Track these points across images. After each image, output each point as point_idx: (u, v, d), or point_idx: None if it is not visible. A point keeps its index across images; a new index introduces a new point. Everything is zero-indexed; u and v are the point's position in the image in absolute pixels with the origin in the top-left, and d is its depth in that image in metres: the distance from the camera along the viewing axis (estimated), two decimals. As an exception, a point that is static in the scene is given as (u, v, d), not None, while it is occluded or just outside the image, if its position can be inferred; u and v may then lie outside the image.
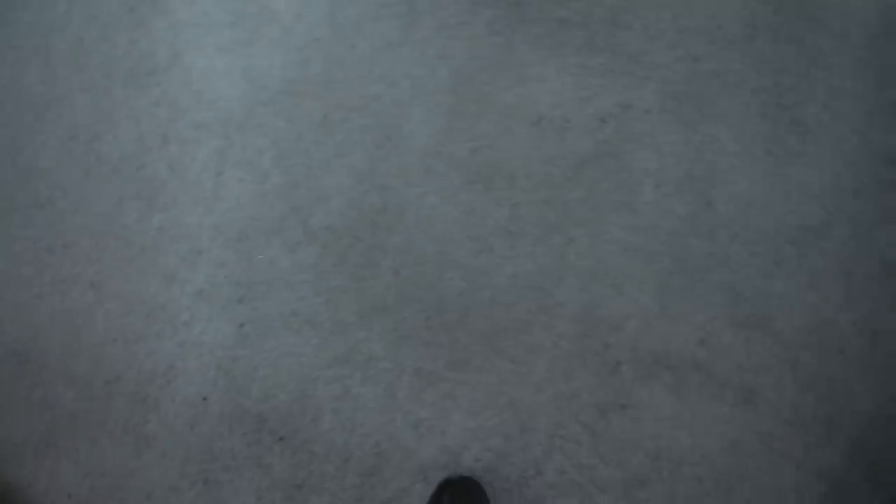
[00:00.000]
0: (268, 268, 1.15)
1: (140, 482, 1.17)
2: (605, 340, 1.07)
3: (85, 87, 1.21)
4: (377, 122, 1.12)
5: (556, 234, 1.08)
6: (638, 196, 1.06)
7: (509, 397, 1.08)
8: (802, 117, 1.06)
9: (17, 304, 1.21)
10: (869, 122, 1.05)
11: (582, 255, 1.06)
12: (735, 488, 1.04)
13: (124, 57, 1.20)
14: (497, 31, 1.11)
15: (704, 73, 1.08)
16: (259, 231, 1.15)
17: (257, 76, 1.16)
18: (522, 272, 1.08)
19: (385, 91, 1.13)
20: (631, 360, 1.06)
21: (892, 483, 1.01)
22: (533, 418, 1.08)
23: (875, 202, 1.03)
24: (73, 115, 1.21)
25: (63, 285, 1.20)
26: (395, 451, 1.10)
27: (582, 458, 1.07)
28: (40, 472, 1.20)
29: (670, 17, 1.08)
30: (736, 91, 1.07)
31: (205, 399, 1.16)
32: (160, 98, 1.18)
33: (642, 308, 1.05)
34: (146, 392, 1.17)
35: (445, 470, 1.10)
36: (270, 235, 1.15)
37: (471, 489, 1.04)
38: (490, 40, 1.11)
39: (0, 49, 1.23)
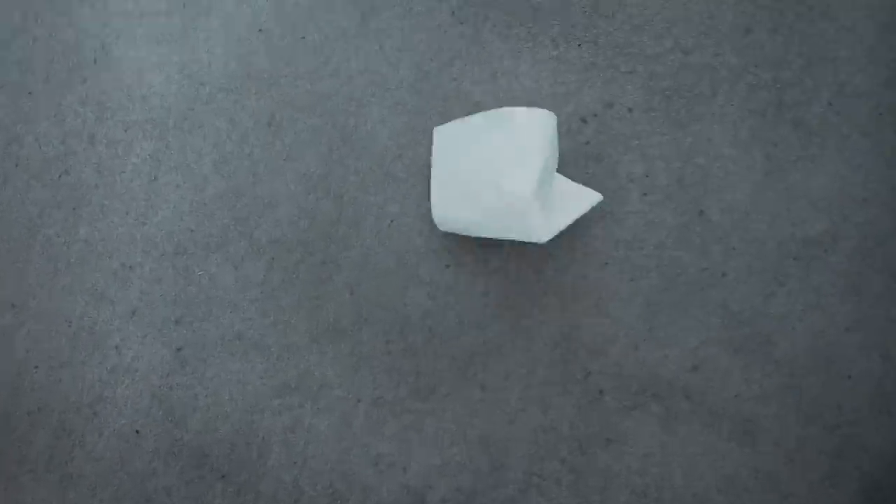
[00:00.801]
0: (209, 285, 1.13)
1: (66, 525, 1.13)
2: (586, 366, 1.04)
3: (1, 84, 1.20)
4: (330, 122, 1.11)
5: (531, 246, 1.05)
6: (623, 205, 1.04)
7: (480, 430, 1.06)
8: (805, 117, 1.04)
9: (-74, 326, 1.18)
10: (879, 123, 1.02)
11: (560, 271, 1.03)
12: (731, 531, 1.02)
13: (45, 50, 1.19)
14: (464, 19, 1.09)
15: (696, 67, 1.05)
16: (199, 244, 1.13)
17: (195, 71, 1.15)
18: (494, 290, 1.05)
19: (339, 87, 1.11)
20: (615, 389, 1.03)
21: (907, 526, 0.98)
22: (506, 454, 1.05)
23: (886, 211, 1.01)
24: (-11, 115, 1.19)
25: (-22, 305, 1.17)
26: (352, 490, 1.08)
27: (562, 497, 1.04)
28: (-45, 514, 1.17)
29: (658, 5, 1.06)
30: (731, 87, 1.05)
31: (137, 432, 1.14)
32: (86, 95, 1.18)
33: (628, 330, 1.03)
34: (72, 424, 1.16)
35: (407, 512, 1.10)
36: (211, 249, 1.13)
37: (436, 533, 1.01)
38: (456, 30, 1.09)
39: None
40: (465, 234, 1.03)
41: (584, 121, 1.05)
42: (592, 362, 1.03)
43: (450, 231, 1.03)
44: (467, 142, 1.00)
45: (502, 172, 0.96)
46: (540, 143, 0.95)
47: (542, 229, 0.95)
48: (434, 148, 1.03)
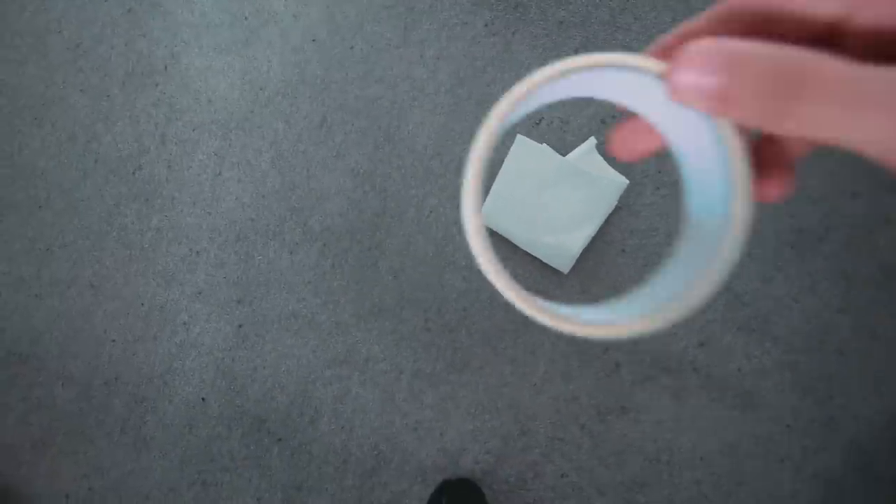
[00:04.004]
0: (267, 269, 1.19)
1: (138, 483, 1.22)
2: (604, 343, 1.11)
3: (83, 88, 1.26)
4: (376, 124, 1.16)
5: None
6: (638, 198, 1.09)
7: (509, 399, 1.12)
8: None
9: (16, 304, 1.27)
10: None
11: (581, 257, 1.09)
12: (733, 492, 1.07)
13: (122, 58, 1.24)
14: (496, 31, 1.14)
15: None
16: (258, 232, 1.20)
17: (255, 77, 1.20)
18: (522, 273, 1.12)
19: (384, 92, 1.16)
20: (630, 363, 1.10)
21: (891, 488, 1.04)
22: (532, 420, 1.12)
23: (873, 205, 1.05)
24: (72, 117, 1.26)
25: (62, 286, 1.25)
26: (394, 453, 1.14)
27: (581, 460, 1.11)
28: (38, 473, 1.26)
29: (670, 18, 1.11)
30: None
31: (203, 400, 1.21)
32: (158, 99, 1.23)
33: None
34: (144, 393, 1.23)
35: (444, 472, 1.14)
36: (269, 236, 1.19)
37: (469, 491, 1.09)
38: (489, 41, 1.14)
39: (-6, 47, 1.27)
40: (500, 233, 1.11)
41: (603, 122, 1.10)
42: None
43: (488, 226, 1.10)
44: (542, 173, 1.08)
45: (561, 222, 1.07)
46: (604, 210, 1.07)
47: (567, 267, 1.08)
48: (510, 153, 1.09)
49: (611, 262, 1.10)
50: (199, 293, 1.21)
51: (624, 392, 1.10)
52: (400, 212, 1.15)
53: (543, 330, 1.11)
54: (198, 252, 1.21)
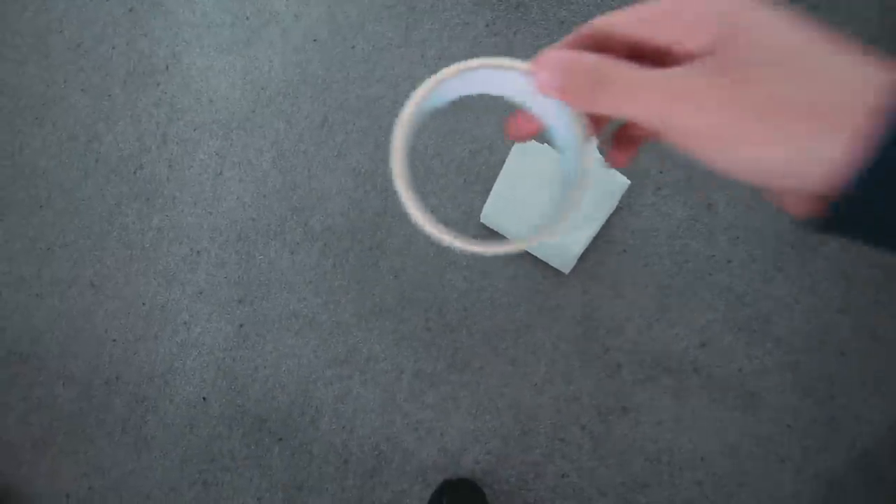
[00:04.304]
0: (268, 268, 1.20)
1: (139, 482, 1.23)
2: (605, 343, 1.11)
3: (84, 87, 1.26)
4: (377, 124, 1.16)
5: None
6: (638, 198, 1.10)
7: (509, 399, 1.13)
8: None
9: (17, 303, 1.27)
10: None
11: (582, 257, 1.10)
12: (735, 492, 1.08)
13: (123, 57, 1.25)
14: (498, 31, 1.15)
15: None
16: (259, 232, 1.20)
17: (257, 77, 1.20)
18: (523, 273, 1.12)
19: (385, 92, 1.17)
20: (631, 363, 1.10)
21: (893, 488, 1.04)
22: (533, 420, 1.12)
23: None
24: (73, 116, 1.26)
25: (62, 285, 1.26)
26: (395, 453, 1.15)
27: (582, 461, 1.11)
28: (39, 472, 1.26)
29: None
30: None
31: (204, 399, 1.21)
32: (159, 99, 1.23)
33: (642, 310, 1.10)
34: (145, 392, 1.23)
35: (445, 472, 1.14)
36: (270, 236, 1.20)
37: (470, 492, 1.09)
38: (490, 41, 1.15)
39: (-4, 47, 1.28)
40: (501, 233, 1.11)
41: None
42: (611, 339, 1.10)
43: (489, 226, 1.11)
44: (543, 173, 1.08)
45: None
46: (605, 210, 1.07)
47: (568, 267, 1.09)
48: (512, 153, 1.09)
49: (612, 262, 1.10)
50: (200, 293, 1.21)
51: (625, 392, 1.10)
52: (400, 211, 1.14)
53: (545, 330, 1.12)
54: (199, 252, 1.21)
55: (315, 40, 1.19)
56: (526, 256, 1.11)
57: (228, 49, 1.21)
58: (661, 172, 1.09)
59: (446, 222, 1.13)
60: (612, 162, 0.32)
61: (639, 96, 0.23)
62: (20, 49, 1.27)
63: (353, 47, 1.17)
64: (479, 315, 1.13)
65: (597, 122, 0.29)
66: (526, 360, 1.12)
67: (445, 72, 0.27)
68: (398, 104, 1.14)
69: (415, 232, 1.15)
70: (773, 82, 0.21)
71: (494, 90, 0.30)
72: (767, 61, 0.22)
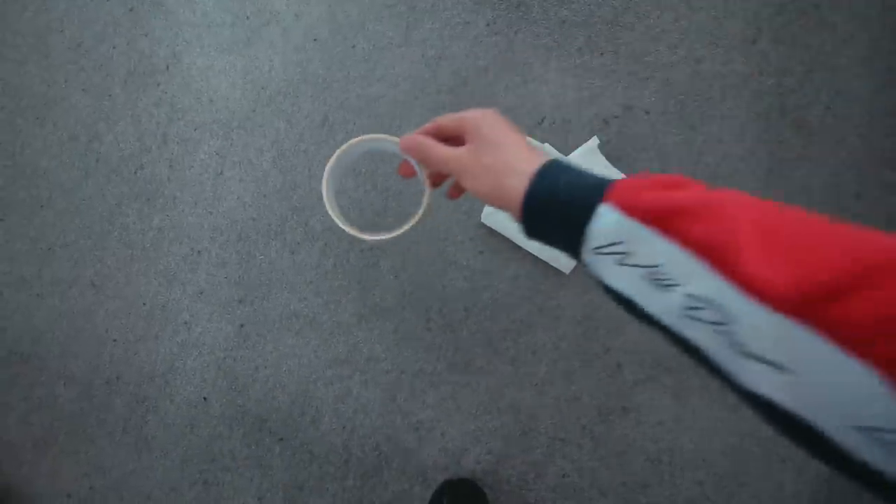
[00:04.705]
0: (268, 268, 1.20)
1: (139, 482, 1.23)
2: (605, 343, 1.11)
3: (84, 87, 1.26)
4: (377, 123, 1.16)
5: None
6: None
7: (510, 399, 1.13)
8: (805, 119, 1.09)
9: (18, 303, 1.28)
10: (871, 125, 1.08)
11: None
12: (735, 492, 1.08)
13: (123, 57, 1.25)
14: (498, 31, 1.15)
15: (706, 75, 1.11)
16: (259, 231, 1.20)
17: (257, 76, 1.21)
18: (523, 274, 1.12)
19: (386, 91, 1.17)
20: (632, 363, 1.11)
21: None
22: (534, 421, 1.12)
23: (877, 205, 1.06)
24: (73, 116, 1.27)
25: (63, 285, 1.26)
26: (395, 453, 1.15)
27: (583, 461, 1.11)
28: (39, 472, 1.27)
29: (672, 17, 1.12)
30: (738, 92, 1.11)
31: (205, 399, 1.21)
32: (160, 98, 1.24)
33: None
34: (146, 392, 1.23)
35: (445, 472, 1.14)
36: (271, 236, 1.20)
37: (471, 492, 1.10)
38: (491, 40, 1.15)
39: (-3, 47, 1.28)
40: (501, 233, 1.12)
41: (605, 122, 1.11)
42: (611, 339, 1.10)
43: (490, 225, 1.11)
44: None
45: None
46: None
47: (569, 268, 1.10)
48: None
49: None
50: (201, 293, 1.21)
51: (625, 392, 1.10)
52: (401, 210, 1.15)
53: (545, 330, 1.12)
54: (199, 252, 1.22)
55: (315, 40, 1.19)
56: (527, 257, 1.12)
57: (229, 49, 1.21)
58: (663, 171, 1.07)
59: (449, 222, 1.14)
60: (448, 196, 0.56)
61: (448, 162, 0.46)
62: (21, 49, 1.28)
63: (353, 46, 1.18)
64: (479, 315, 1.13)
65: (438, 175, 0.52)
66: (526, 360, 1.12)
67: (351, 142, 0.52)
68: (398, 103, 1.17)
69: (414, 231, 1.12)
70: (492, 156, 0.43)
71: (386, 150, 0.53)
72: (491, 145, 0.44)
